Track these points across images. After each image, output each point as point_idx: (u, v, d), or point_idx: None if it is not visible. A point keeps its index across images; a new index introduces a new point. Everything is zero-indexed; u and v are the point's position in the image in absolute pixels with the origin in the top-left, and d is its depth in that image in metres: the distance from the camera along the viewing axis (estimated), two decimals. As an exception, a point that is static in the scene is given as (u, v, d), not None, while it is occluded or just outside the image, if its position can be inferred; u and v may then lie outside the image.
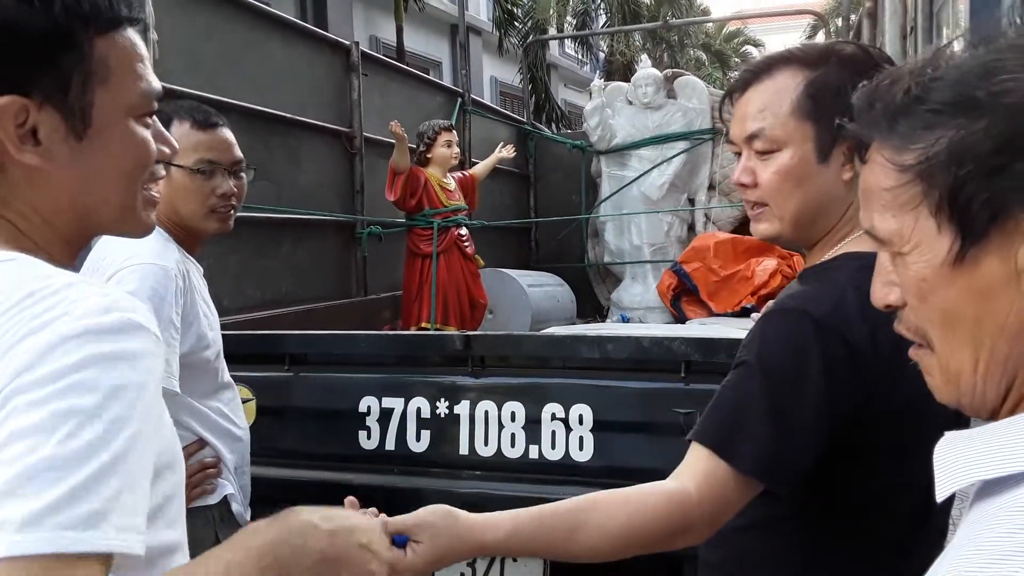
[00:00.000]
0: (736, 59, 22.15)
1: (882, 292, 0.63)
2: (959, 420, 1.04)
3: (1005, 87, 0.53)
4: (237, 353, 2.26)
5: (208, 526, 1.68)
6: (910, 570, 1.04)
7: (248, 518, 1.83)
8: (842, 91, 1.01)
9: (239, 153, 1.77)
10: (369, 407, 2.17)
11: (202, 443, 1.69)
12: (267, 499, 2.22)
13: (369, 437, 2.17)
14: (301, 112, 3.63)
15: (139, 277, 1.54)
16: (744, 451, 0.96)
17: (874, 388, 0.96)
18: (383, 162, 4.02)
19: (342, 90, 4.00)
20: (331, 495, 2.23)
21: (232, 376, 2.19)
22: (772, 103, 1.05)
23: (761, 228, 1.10)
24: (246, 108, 3.21)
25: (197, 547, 1.66)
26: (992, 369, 0.57)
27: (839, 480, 1.01)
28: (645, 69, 5.57)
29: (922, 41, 2.13)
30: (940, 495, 0.56)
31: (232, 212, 1.75)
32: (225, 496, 1.72)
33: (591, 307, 5.58)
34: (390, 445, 2.15)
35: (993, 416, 0.58)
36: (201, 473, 1.67)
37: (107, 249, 1.64)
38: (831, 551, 1.04)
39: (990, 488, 0.54)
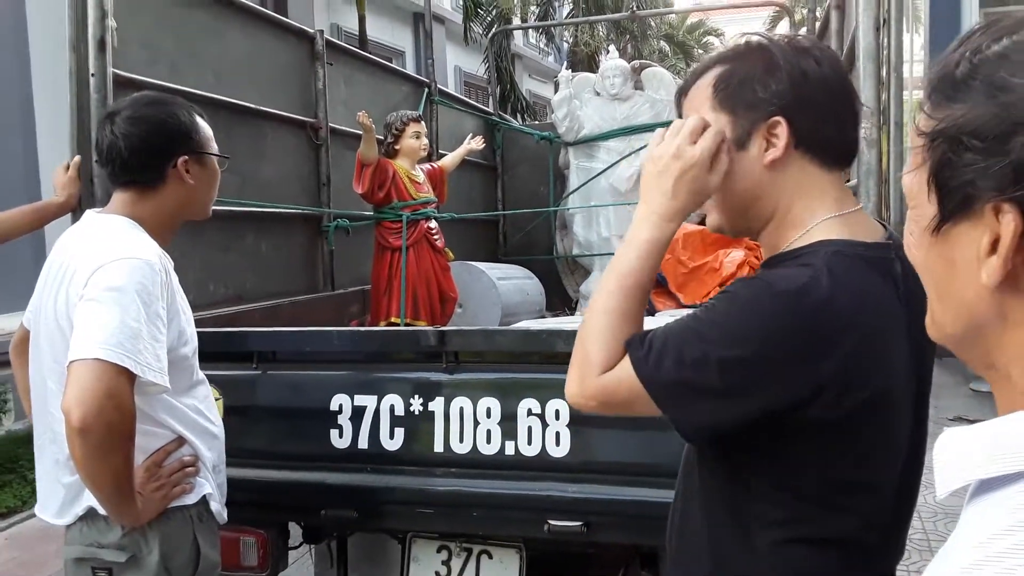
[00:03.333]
0: (699, 50, 22.32)
1: (906, 240, 0.67)
2: (918, 423, 1.07)
3: (1005, 83, 0.54)
4: (204, 351, 2.20)
5: (186, 525, 1.66)
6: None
7: (226, 517, 1.80)
8: (748, 80, 1.07)
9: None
10: (341, 405, 2.13)
11: (181, 441, 1.66)
12: (237, 501, 2.18)
13: (341, 436, 2.13)
14: (265, 102, 3.54)
15: (126, 271, 1.51)
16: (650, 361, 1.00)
17: (828, 375, 0.96)
18: (350, 153, 3.96)
19: (306, 80, 3.92)
20: (304, 495, 2.21)
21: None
22: (697, 102, 1.11)
23: (708, 221, 1.17)
24: (208, 98, 3.11)
25: (174, 548, 1.62)
26: (966, 336, 0.60)
27: (787, 464, 1.02)
28: (612, 60, 5.56)
29: (895, 33, 2.13)
30: (940, 493, 0.56)
31: None
32: (204, 495, 1.69)
33: (560, 299, 5.57)
34: (363, 444, 2.11)
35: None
36: (180, 472, 1.64)
37: (89, 243, 1.60)
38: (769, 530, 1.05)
39: (987, 485, 0.53)
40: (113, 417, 1.42)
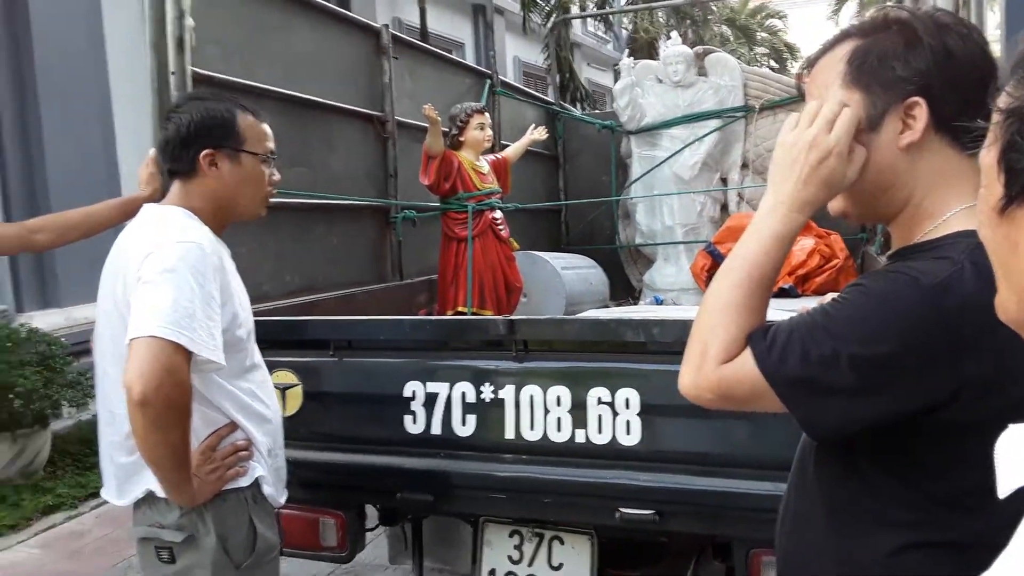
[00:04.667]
0: (762, 33, 21.82)
1: (977, 219, 0.66)
2: None
3: None
4: (281, 339, 2.28)
5: (241, 507, 1.71)
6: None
7: (282, 501, 1.85)
8: (887, 56, 1.00)
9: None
10: (414, 392, 2.18)
11: (234, 426, 1.72)
12: (317, 484, 2.26)
13: (415, 421, 2.17)
14: (333, 97, 3.61)
15: (178, 254, 1.58)
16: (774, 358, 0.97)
17: (970, 378, 0.90)
18: (416, 146, 4.01)
19: (373, 74, 3.98)
20: (380, 479, 2.27)
21: (277, 361, 2.21)
22: (825, 78, 1.05)
23: (832, 205, 1.08)
24: (280, 94, 3.20)
25: (230, 529, 1.69)
26: None
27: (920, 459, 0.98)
28: (675, 46, 5.48)
29: (975, 12, 2.07)
30: (1003, 491, 0.56)
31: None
32: (257, 478, 1.74)
33: (623, 289, 5.55)
34: (436, 429, 2.16)
35: None
36: (233, 456, 1.69)
37: (143, 231, 1.68)
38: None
39: None
40: (171, 392, 1.48)
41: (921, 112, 0.99)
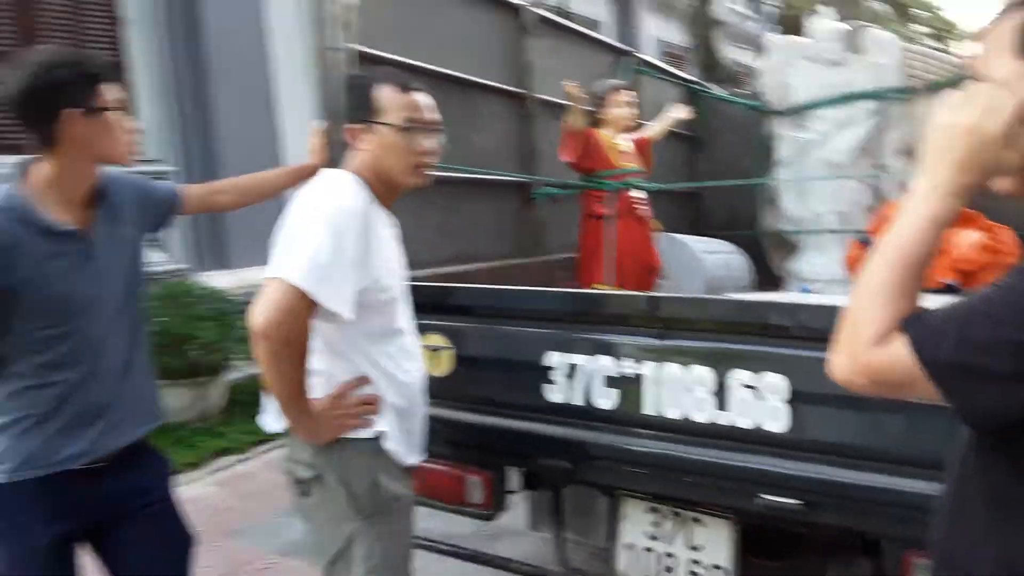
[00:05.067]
0: (916, 10, 20.40)
1: None
2: None
3: None
4: (434, 304, 2.38)
5: (361, 456, 1.82)
6: None
7: (412, 461, 1.93)
8: None
9: (437, 115, 1.91)
10: (555, 361, 2.22)
11: (365, 380, 1.82)
12: (465, 444, 2.36)
13: (555, 391, 2.22)
14: (477, 74, 3.69)
15: (325, 210, 1.71)
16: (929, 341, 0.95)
17: None
18: (556, 123, 4.04)
19: (515, 52, 4.04)
20: (522, 443, 2.34)
21: (430, 324, 2.32)
22: (993, 52, 1.02)
23: (998, 183, 1.04)
24: (434, 71, 3.30)
25: (352, 475, 1.80)
26: None
27: None
28: (827, 22, 5.22)
29: None
30: None
31: (429, 168, 1.91)
32: (379, 433, 1.83)
33: (765, 276, 5.38)
34: (577, 400, 2.20)
35: None
36: (359, 407, 1.80)
37: (308, 190, 1.82)
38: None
39: None
40: (289, 332, 1.63)
41: None
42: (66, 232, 1.76)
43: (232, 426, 5.26)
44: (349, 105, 1.93)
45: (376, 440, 1.83)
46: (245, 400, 5.40)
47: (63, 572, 1.84)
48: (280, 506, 4.07)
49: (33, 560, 1.78)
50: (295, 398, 1.71)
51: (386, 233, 1.88)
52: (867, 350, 0.99)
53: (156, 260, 5.45)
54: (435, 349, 2.37)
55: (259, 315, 1.62)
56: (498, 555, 2.60)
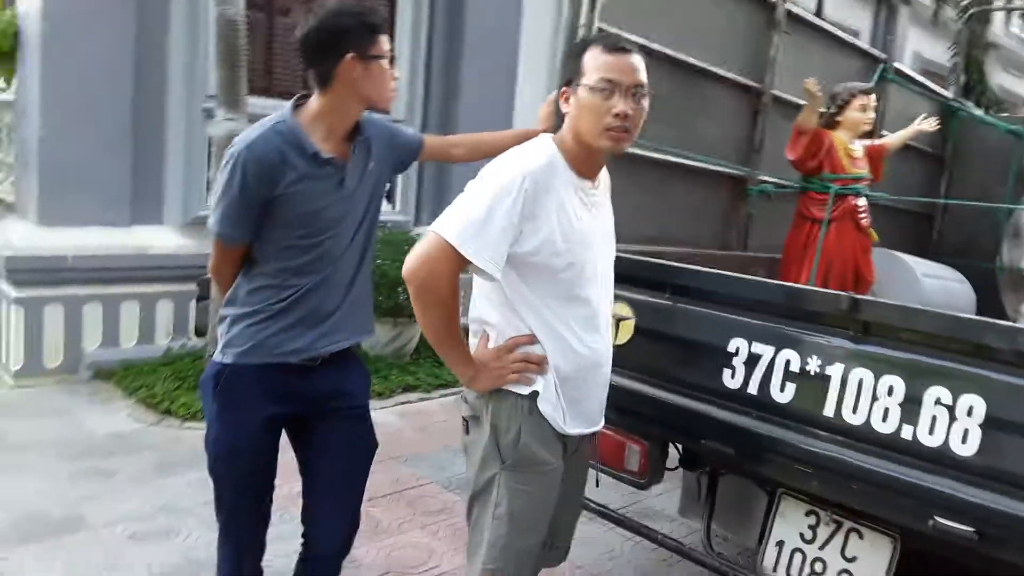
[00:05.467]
0: None
1: None
2: None
3: None
4: (626, 275, 2.45)
5: (515, 411, 1.86)
6: None
7: (575, 430, 1.91)
8: None
9: (640, 77, 1.80)
10: (738, 348, 2.22)
11: (534, 340, 1.85)
12: (629, 411, 2.42)
13: (733, 376, 2.22)
14: (716, 63, 3.68)
15: (496, 172, 1.79)
16: None
17: None
18: (786, 122, 3.93)
19: (759, 46, 3.96)
20: (689, 421, 2.36)
21: (618, 294, 2.38)
22: None
23: None
24: (670, 56, 3.34)
25: (502, 425, 1.87)
26: None
27: None
28: None
29: None
30: None
31: (626, 134, 1.81)
32: (534, 392, 1.86)
33: (994, 315, 4.90)
34: (752, 389, 2.18)
35: None
36: (521, 363, 1.84)
37: (507, 152, 1.89)
38: None
39: None
40: (427, 279, 1.74)
41: None
42: (327, 159, 1.99)
43: (421, 367, 5.78)
44: (563, 69, 1.97)
45: (530, 398, 1.85)
46: (437, 348, 5.87)
47: (269, 448, 2.11)
48: (450, 444, 4.37)
49: (246, 432, 2.05)
50: (441, 342, 1.83)
51: (574, 199, 1.84)
52: None
53: (383, 209, 5.94)
54: (618, 319, 2.44)
55: (407, 260, 1.75)
56: (645, 524, 2.64)
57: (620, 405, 2.39)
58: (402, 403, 5.22)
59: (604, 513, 2.66)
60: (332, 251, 2.03)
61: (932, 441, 1.88)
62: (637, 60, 1.82)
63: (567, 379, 1.87)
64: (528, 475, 1.85)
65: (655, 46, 3.24)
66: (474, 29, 6.95)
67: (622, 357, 2.36)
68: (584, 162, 1.87)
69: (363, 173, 2.08)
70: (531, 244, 1.77)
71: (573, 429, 1.91)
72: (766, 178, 4.04)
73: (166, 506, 3.53)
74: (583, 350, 1.88)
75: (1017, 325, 1.89)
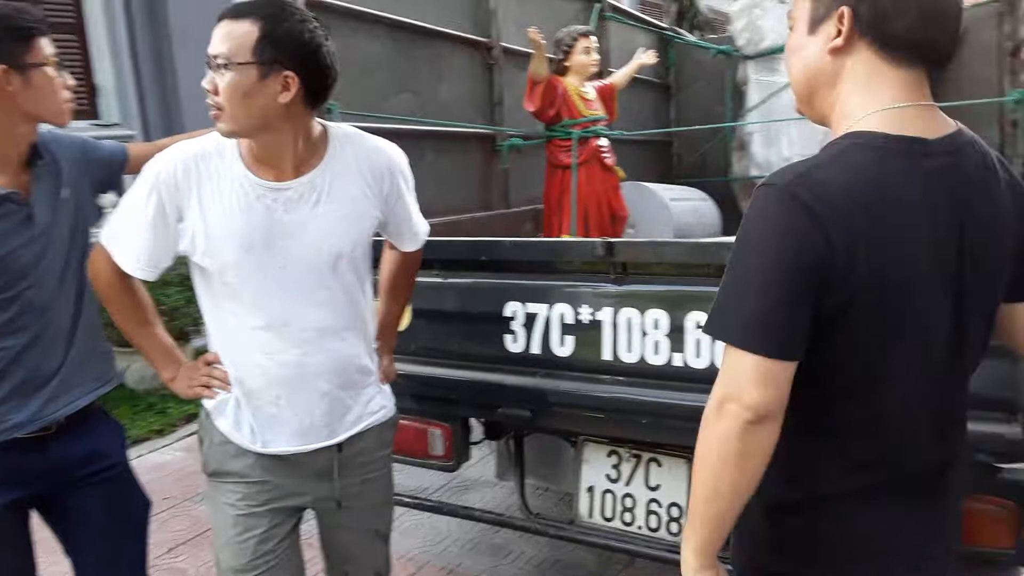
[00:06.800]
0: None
1: None
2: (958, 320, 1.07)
3: None
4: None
5: (206, 420, 1.79)
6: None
7: (258, 448, 1.73)
8: None
9: (218, 47, 1.53)
10: (514, 312, 2.23)
11: (215, 357, 1.74)
12: (426, 396, 2.36)
13: (515, 340, 2.23)
14: (440, 23, 3.62)
15: (154, 160, 1.66)
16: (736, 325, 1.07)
17: (838, 257, 1.01)
18: (521, 73, 3.98)
19: (479, 1, 3.96)
20: (482, 394, 2.34)
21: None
22: None
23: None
24: (391, 20, 3.23)
25: (201, 433, 1.83)
26: None
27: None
28: (797, -36, 5.14)
29: None
30: None
31: (219, 112, 1.57)
32: (209, 407, 1.77)
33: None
34: (535, 349, 2.20)
35: None
36: (206, 376, 1.74)
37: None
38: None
39: None
40: (93, 280, 1.73)
41: (847, 20, 1.09)
42: (2, 196, 1.69)
43: (200, 391, 5.28)
44: None
45: (209, 411, 1.77)
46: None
47: (15, 539, 1.81)
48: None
49: None
50: (130, 340, 1.76)
51: (239, 193, 1.60)
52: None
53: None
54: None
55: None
56: (461, 504, 2.63)
57: (414, 392, 2.34)
58: (187, 435, 4.76)
59: (419, 504, 2.61)
60: (35, 302, 1.74)
61: (700, 363, 1.99)
62: (226, 27, 1.53)
63: (256, 394, 1.70)
64: (223, 488, 1.76)
65: (373, 11, 3.11)
66: (178, 10, 6.36)
67: (405, 344, 2.29)
68: (258, 153, 1.61)
69: (55, 202, 1.78)
70: (183, 244, 1.63)
71: (277, 447, 1.72)
72: (513, 132, 4.08)
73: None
74: (270, 364, 1.67)
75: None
